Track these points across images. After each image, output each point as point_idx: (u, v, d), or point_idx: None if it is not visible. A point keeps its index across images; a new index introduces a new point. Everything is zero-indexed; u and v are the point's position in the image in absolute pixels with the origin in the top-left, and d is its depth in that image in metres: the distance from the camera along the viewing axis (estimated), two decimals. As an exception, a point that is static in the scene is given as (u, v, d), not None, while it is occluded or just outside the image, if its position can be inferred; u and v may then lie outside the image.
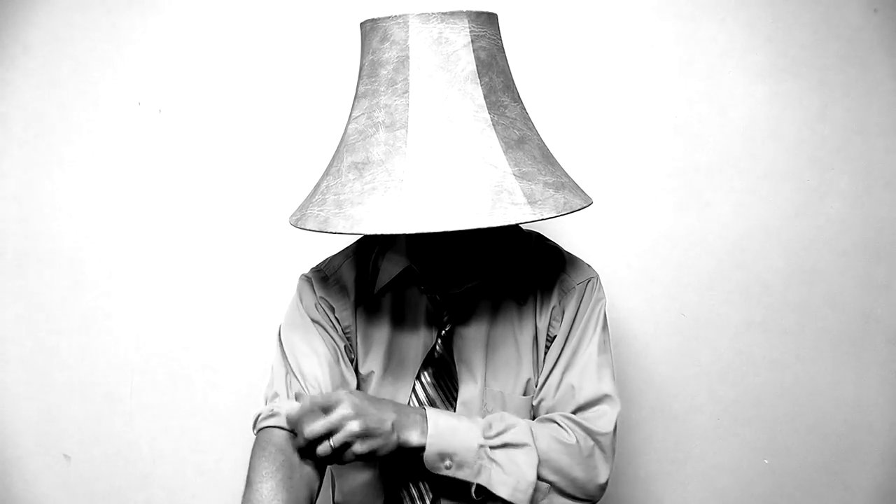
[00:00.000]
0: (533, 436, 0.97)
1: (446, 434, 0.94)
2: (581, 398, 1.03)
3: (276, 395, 1.04)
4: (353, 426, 0.89)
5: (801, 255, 1.47)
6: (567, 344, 1.06)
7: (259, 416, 1.02)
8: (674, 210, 1.46)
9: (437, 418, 0.95)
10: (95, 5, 1.41)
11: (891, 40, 1.38)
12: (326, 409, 0.90)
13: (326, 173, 0.95)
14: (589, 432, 1.00)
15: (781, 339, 1.51)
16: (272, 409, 1.00)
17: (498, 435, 0.96)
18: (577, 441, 0.99)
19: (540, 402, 1.06)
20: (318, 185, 0.95)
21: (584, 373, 1.04)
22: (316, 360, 1.04)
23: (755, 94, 1.42)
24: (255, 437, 1.01)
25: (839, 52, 1.40)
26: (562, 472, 0.98)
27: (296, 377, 1.04)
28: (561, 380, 1.05)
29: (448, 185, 0.84)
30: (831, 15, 1.39)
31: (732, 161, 1.44)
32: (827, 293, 1.49)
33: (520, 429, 0.97)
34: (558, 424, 1.01)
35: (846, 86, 1.41)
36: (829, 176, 1.44)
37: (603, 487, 1.02)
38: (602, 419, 1.02)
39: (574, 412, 1.03)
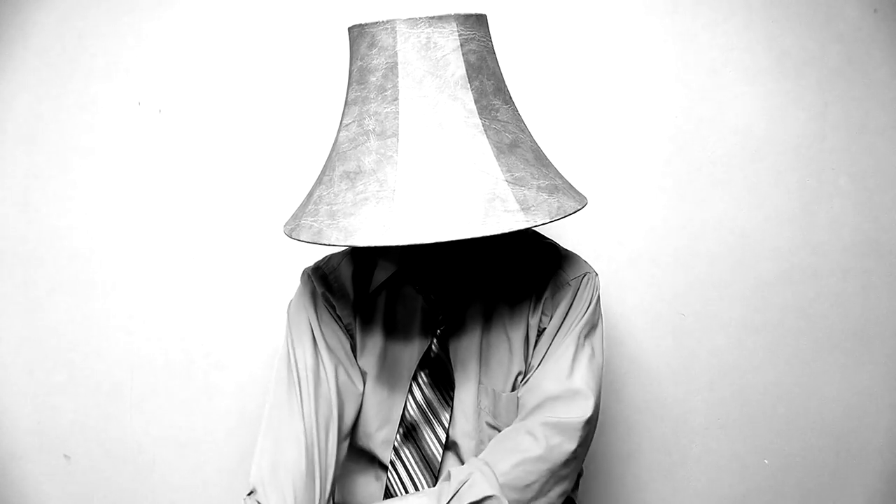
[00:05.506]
0: (495, 477, 0.94)
1: None
2: (544, 393, 0.98)
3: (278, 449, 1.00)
4: None
5: (801, 255, 1.46)
6: (555, 339, 1.02)
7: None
8: (673, 210, 1.45)
9: None
10: (96, 6, 1.41)
11: (891, 40, 1.37)
12: None
13: (319, 182, 0.94)
14: (558, 427, 0.96)
15: (781, 338, 1.50)
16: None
17: (453, 498, 0.93)
18: (547, 445, 0.95)
19: (522, 397, 1.03)
20: (310, 194, 0.95)
21: (556, 366, 0.99)
22: (334, 357, 1.04)
23: (755, 94, 1.41)
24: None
25: (839, 52, 1.39)
26: (533, 478, 0.96)
27: (320, 371, 1.03)
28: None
29: (439, 194, 0.83)
30: (831, 15, 1.38)
31: (732, 161, 1.43)
32: (827, 293, 1.48)
33: (476, 482, 0.94)
34: (532, 436, 0.97)
35: (846, 86, 1.40)
36: (829, 176, 1.43)
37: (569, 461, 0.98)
38: (570, 409, 0.97)
39: (537, 406, 0.99)
